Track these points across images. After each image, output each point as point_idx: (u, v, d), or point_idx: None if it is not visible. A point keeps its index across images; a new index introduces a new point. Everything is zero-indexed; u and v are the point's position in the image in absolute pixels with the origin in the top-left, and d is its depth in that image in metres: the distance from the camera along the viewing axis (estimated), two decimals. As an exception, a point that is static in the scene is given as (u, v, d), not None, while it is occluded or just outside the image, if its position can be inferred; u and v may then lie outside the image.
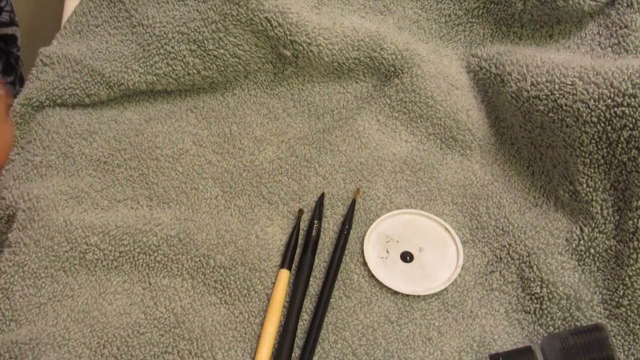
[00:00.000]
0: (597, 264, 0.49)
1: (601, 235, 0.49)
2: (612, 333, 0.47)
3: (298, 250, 0.53)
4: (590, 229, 0.50)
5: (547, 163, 0.55)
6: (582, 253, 0.50)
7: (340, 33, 0.60)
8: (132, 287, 0.51)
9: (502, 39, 0.63)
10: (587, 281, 0.49)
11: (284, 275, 0.50)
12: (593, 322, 0.47)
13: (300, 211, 0.54)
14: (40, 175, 0.57)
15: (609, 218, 0.49)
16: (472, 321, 0.49)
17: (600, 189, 0.50)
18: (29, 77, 0.62)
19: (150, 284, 0.51)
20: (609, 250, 0.49)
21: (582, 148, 0.50)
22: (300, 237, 0.53)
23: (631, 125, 0.47)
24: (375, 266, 0.51)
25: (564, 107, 0.51)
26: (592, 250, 0.49)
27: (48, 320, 0.49)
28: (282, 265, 0.51)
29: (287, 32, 0.59)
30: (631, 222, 0.47)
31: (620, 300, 0.47)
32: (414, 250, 0.52)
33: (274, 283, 0.50)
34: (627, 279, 0.47)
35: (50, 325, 0.48)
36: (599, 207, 0.50)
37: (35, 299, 0.49)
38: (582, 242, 0.50)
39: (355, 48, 0.60)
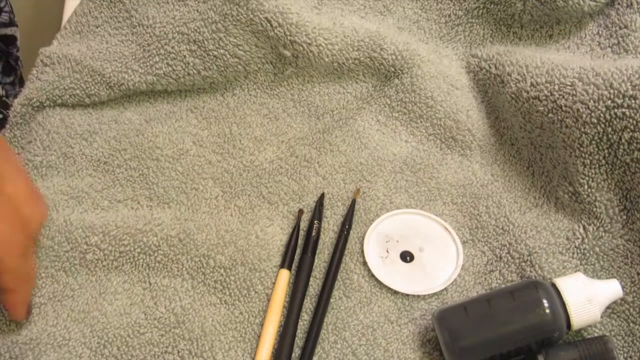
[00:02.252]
0: (602, 262, 0.50)
1: (607, 234, 0.50)
2: (612, 333, 0.47)
3: (298, 251, 0.53)
4: (595, 228, 0.50)
5: (547, 164, 0.55)
6: (586, 252, 0.50)
7: (340, 33, 0.60)
8: (132, 287, 0.51)
9: (502, 39, 0.63)
10: (588, 281, 0.49)
11: (284, 275, 0.50)
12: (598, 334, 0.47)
13: (300, 211, 0.54)
14: (41, 176, 0.57)
15: (615, 217, 0.50)
16: (472, 321, 0.49)
17: (605, 189, 0.50)
18: (29, 77, 0.62)
19: (150, 284, 0.51)
20: (615, 250, 0.49)
21: (581, 149, 0.50)
22: (300, 237, 0.53)
23: (632, 127, 0.48)
24: (375, 266, 0.51)
25: (564, 108, 0.51)
26: (597, 249, 0.50)
27: (48, 320, 0.49)
28: (282, 266, 0.51)
29: (287, 33, 0.59)
30: (641, 222, 0.48)
31: (625, 297, 0.47)
32: (414, 250, 0.53)
33: (273, 283, 0.50)
34: (635, 276, 0.48)
35: (50, 325, 0.48)
36: (603, 207, 0.50)
37: (35, 299, 0.49)
38: (586, 240, 0.50)
39: (355, 48, 0.60)
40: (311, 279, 0.51)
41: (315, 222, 0.53)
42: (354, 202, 0.55)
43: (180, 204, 0.55)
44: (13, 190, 0.47)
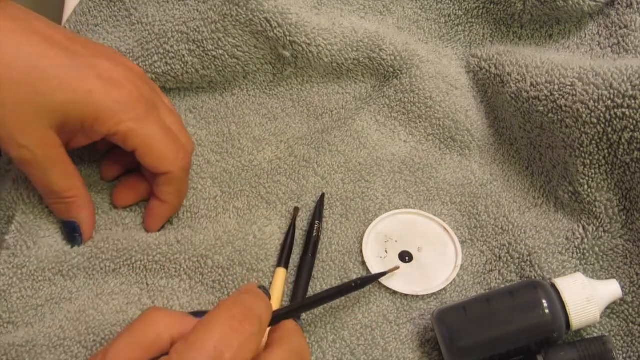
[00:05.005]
0: (601, 262, 0.49)
1: (606, 234, 0.49)
2: (611, 333, 0.47)
3: (296, 250, 0.52)
4: (594, 228, 0.50)
5: (546, 164, 0.54)
6: (586, 252, 0.50)
7: (339, 34, 0.60)
8: (129, 288, 0.50)
9: (502, 39, 0.63)
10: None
11: (281, 274, 0.50)
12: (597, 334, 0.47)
13: (296, 209, 0.54)
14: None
15: (615, 218, 0.49)
16: (471, 321, 0.48)
17: (605, 189, 0.50)
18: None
19: (147, 284, 0.51)
20: (615, 250, 0.49)
21: (581, 149, 0.50)
22: (299, 236, 0.53)
23: (632, 127, 0.47)
24: (374, 266, 0.51)
25: (564, 108, 0.51)
26: (596, 249, 0.49)
27: (45, 322, 0.48)
28: (278, 264, 0.51)
29: (287, 33, 0.59)
30: (641, 222, 0.48)
31: (625, 297, 0.47)
32: (413, 250, 0.52)
33: (271, 283, 0.50)
34: (634, 276, 0.48)
35: (47, 326, 0.48)
36: (602, 207, 0.50)
37: (32, 301, 0.49)
38: (585, 240, 0.50)
39: (355, 49, 0.60)
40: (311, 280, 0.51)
41: (316, 222, 0.53)
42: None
43: (178, 204, 0.55)
44: (169, 120, 0.52)
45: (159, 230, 0.53)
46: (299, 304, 0.46)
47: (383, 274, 0.49)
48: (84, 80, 0.46)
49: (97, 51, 0.50)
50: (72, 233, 0.51)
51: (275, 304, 0.48)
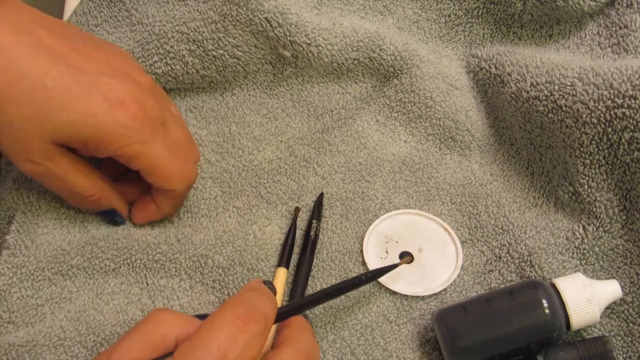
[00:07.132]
0: (601, 262, 0.49)
1: (607, 234, 0.49)
2: (611, 333, 0.47)
3: (296, 250, 0.52)
4: (594, 228, 0.50)
5: (546, 164, 0.54)
6: (586, 252, 0.50)
7: (339, 34, 0.60)
8: (129, 287, 0.51)
9: (502, 39, 0.63)
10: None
11: (282, 274, 0.50)
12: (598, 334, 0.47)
13: (297, 209, 0.54)
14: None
15: (615, 218, 0.49)
16: (471, 321, 0.48)
17: (605, 189, 0.50)
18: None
19: (147, 284, 0.51)
20: (615, 250, 0.49)
21: (582, 149, 0.50)
22: (299, 236, 0.53)
23: (632, 127, 0.47)
24: (374, 267, 0.51)
25: (564, 108, 0.51)
26: (596, 249, 0.50)
27: (45, 322, 0.48)
28: (279, 264, 0.51)
29: (287, 33, 0.59)
30: (641, 222, 0.48)
31: (625, 297, 0.47)
32: (414, 251, 0.52)
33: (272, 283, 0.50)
34: (635, 276, 0.48)
35: (47, 326, 0.48)
36: (603, 207, 0.50)
37: (32, 301, 0.49)
38: (585, 240, 0.50)
39: (355, 49, 0.60)
40: (310, 279, 0.51)
41: (314, 221, 0.53)
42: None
43: (178, 204, 0.55)
44: (176, 134, 0.52)
45: (159, 229, 0.53)
46: (305, 299, 0.46)
47: (395, 266, 0.49)
48: (89, 101, 0.46)
49: (104, 64, 0.49)
50: (112, 218, 0.52)
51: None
